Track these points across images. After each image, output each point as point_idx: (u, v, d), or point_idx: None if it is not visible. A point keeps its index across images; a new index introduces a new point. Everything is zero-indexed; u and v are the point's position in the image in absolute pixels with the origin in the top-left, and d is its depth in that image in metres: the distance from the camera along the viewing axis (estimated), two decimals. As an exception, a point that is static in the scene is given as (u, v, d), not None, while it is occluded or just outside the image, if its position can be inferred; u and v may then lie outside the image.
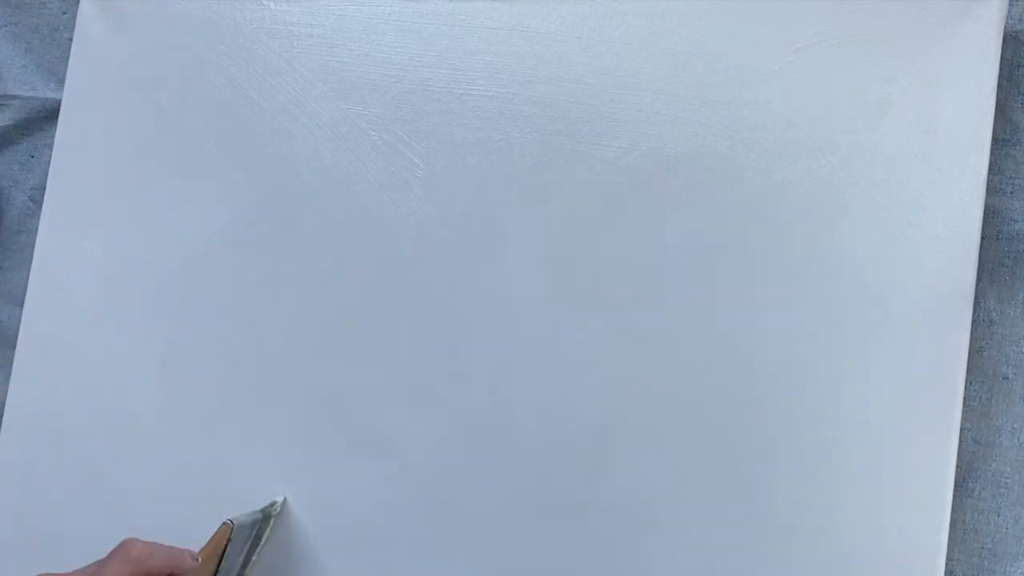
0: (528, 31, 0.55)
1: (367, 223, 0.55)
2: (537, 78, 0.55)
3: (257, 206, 0.56)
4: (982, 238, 0.52)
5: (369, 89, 0.56)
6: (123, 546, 0.43)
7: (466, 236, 0.55)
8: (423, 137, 0.55)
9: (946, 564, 0.51)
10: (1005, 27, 0.53)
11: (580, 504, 0.53)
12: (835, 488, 0.52)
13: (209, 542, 0.47)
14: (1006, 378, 0.56)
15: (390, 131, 0.56)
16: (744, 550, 0.52)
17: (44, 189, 0.57)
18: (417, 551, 0.54)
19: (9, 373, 0.56)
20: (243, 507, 0.53)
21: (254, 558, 0.53)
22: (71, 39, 0.57)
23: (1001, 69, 0.53)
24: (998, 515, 0.56)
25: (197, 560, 0.45)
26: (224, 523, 0.48)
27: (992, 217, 0.56)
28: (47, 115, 0.62)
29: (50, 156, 0.57)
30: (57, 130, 0.57)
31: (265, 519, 0.53)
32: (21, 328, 0.56)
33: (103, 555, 0.43)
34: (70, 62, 0.57)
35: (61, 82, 0.60)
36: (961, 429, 0.52)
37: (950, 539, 0.51)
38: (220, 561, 0.47)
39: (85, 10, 0.57)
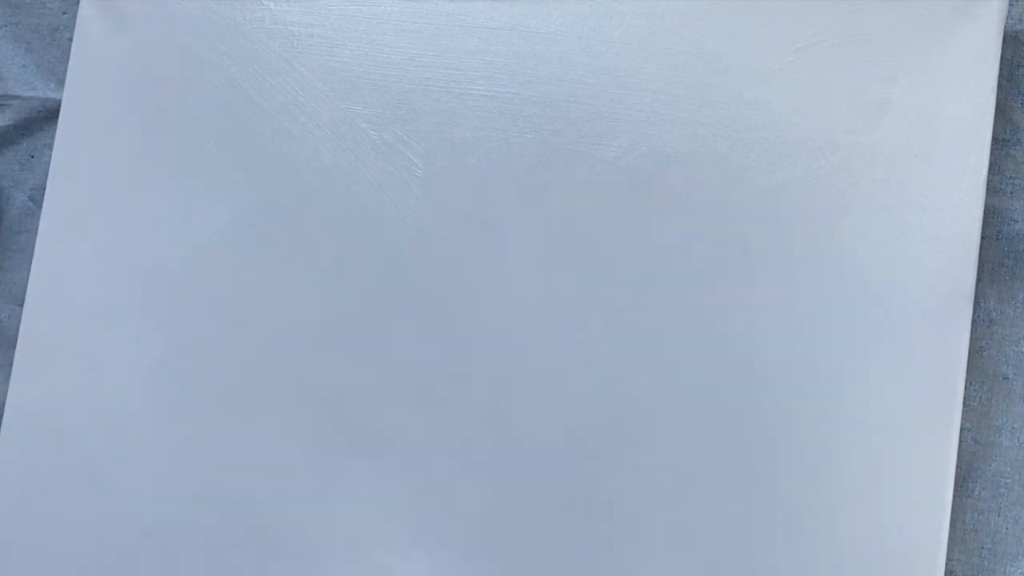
0: (528, 31, 0.55)
1: (366, 223, 0.55)
2: (537, 78, 0.55)
3: (257, 206, 0.56)
4: (982, 238, 0.52)
5: (369, 89, 0.56)
6: None
7: (465, 236, 0.55)
8: (422, 137, 0.55)
9: (946, 564, 0.51)
10: (1005, 27, 0.53)
11: (580, 504, 0.53)
12: (835, 488, 0.52)
13: None
14: (1006, 378, 0.56)
15: (390, 131, 0.56)
16: (744, 550, 0.52)
17: (44, 189, 0.57)
18: (417, 551, 0.54)
19: (9, 373, 0.56)
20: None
21: None
22: (71, 39, 0.57)
23: (1001, 69, 0.53)
24: (998, 515, 0.56)
25: None
26: None
27: (992, 217, 0.56)
28: (47, 115, 0.62)
29: (50, 156, 0.57)
30: (57, 130, 0.57)
31: None
32: (21, 328, 0.56)
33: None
34: (70, 62, 0.57)
35: (61, 82, 0.60)
36: (961, 429, 0.52)
37: (950, 539, 0.51)
38: None
39: (85, 10, 0.57)
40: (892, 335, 0.52)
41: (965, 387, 0.52)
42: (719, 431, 0.53)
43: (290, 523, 0.54)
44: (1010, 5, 0.56)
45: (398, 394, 0.54)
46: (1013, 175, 0.57)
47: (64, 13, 0.63)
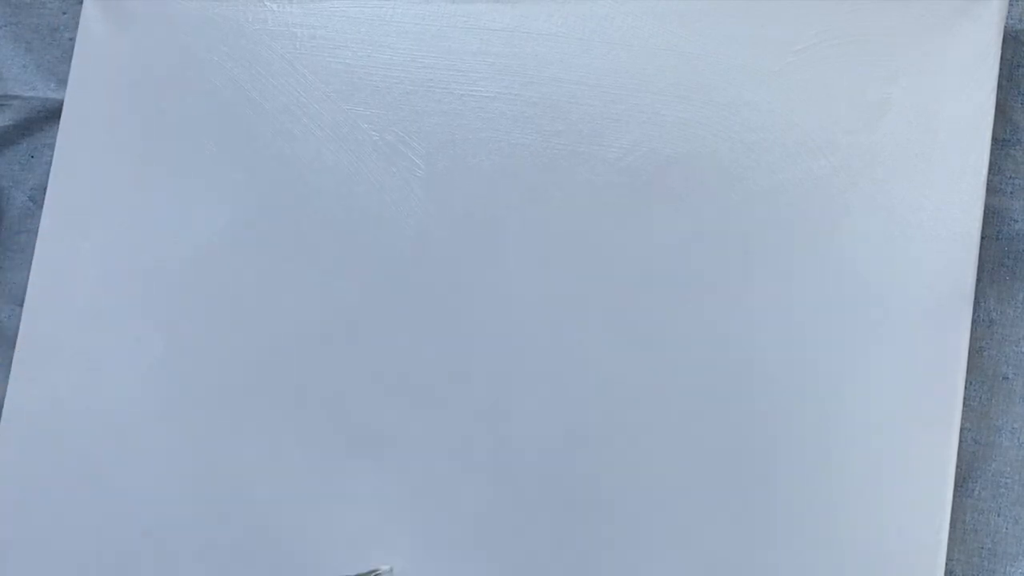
0: (529, 33, 0.56)
1: (368, 223, 0.55)
2: (538, 79, 0.55)
3: (258, 206, 0.56)
4: (982, 238, 0.52)
5: (371, 90, 0.56)
6: None
7: (466, 236, 0.55)
8: (424, 138, 0.55)
9: (946, 564, 0.51)
10: (1005, 27, 0.53)
11: (580, 504, 0.53)
12: (835, 488, 0.52)
13: None
14: (1006, 378, 0.56)
15: (391, 132, 0.56)
16: (744, 550, 0.52)
17: (44, 189, 0.57)
18: (417, 551, 0.53)
19: (9, 373, 0.56)
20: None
21: None
22: (71, 39, 0.57)
23: (1001, 69, 0.53)
24: (998, 515, 0.56)
25: None
26: None
27: (992, 217, 0.56)
28: (47, 115, 0.62)
29: (50, 156, 0.57)
30: (59, 130, 0.57)
31: None
32: (21, 328, 0.56)
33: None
34: (73, 63, 0.57)
35: (61, 82, 0.60)
36: (961, 429, 0.52)
37: (950, 539, 0.51)
38: None
39: (88, 11, 0.57)
40: (892, 335, 0.52)
41: (965, 387, 0.52)
42: (719, 431, 0.53)
43: (290, 523, 0.54)
44: (1010, 5, 0.56)
45: (398, 394, 0.54)
46: (1013, 175, 0.57)
47: (64, 13, 0.63)
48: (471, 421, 0.54)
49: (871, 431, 0.52)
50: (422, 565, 0.53)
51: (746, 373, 0.53)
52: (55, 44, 0.63)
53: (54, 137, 0.57)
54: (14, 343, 0.56)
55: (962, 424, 0.52)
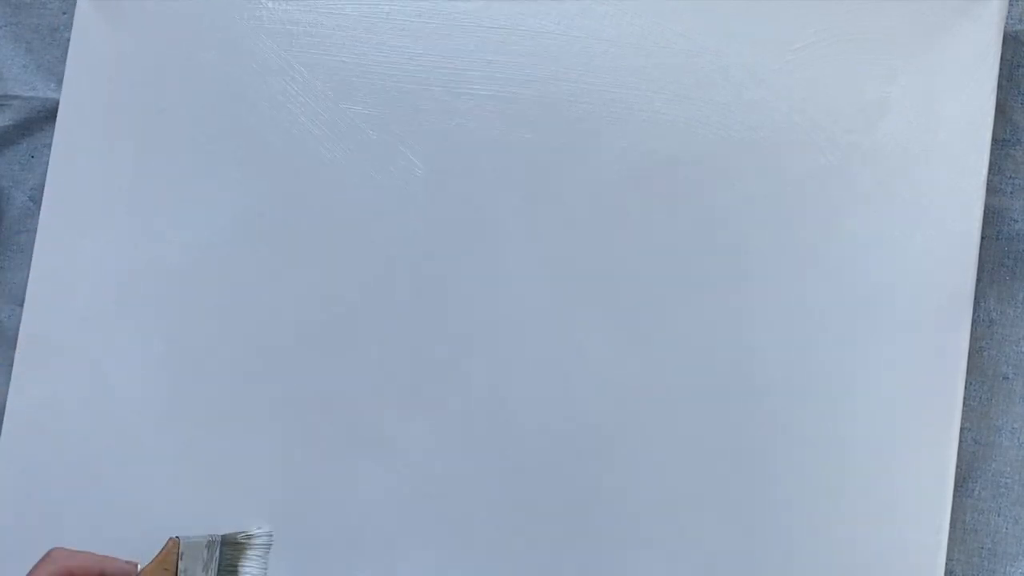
0: (527, 31, 0.55)
1: (365, 222, 0.55)
2: (536, 78, 0.55)
3: (255, 206, 0.56)
4: (982, 238, 0.52)
5: (368, 88, 0.56)
6: (48, 553, 0.47)
7: (464, 235, 0.55)
8: (422, 137, 0.55)
9: (946, 564, 0.51)
10: (1005, 27, 0.53)
11: (581, 504, 0.53)
12: (835, 488, 0.52)
13: (156, 557, 0.49)
14: (1006, 378, 0.56)
15: (389, 131, 0.56)
16: (744, 550, 0.52)
17: (44, 189, 0.57)
18: (417, 551, 0.54)
19: (9, 373, 0.56)
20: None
21: None
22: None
23: (1001, 69, 0.53)
24: (998, 515, 0.56)
25: (135, 567, 0.48)
26: (171, 538, 0.49)
27: (992, 217, 0.56)
28: (47, 115, 0.62)
29: (50, 156, 0.57)
30: (55, 129, 0.57)
31: (232, 545, 0.52)
32: (21, 328, 0.56)
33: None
34: (68, 61, 0.57)
35: (61, 82, 0.60)
36: (961, 429, 0.52)
37: (950, 539, 0.51)
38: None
39: (83, 9, 0.57)
40: (892, 335, 0.52)
41: (965, 387, 0.52)
42: (719, 432, 0.53)
43: (291, 522, 0.54)
44: (1010, 5, 0.55)
45: (398, 394, 0.54)
46: (1013, 175, 0.57)
47: (64, 13, 0.63)
48: (471, 421, 0.54)
49: (871, 431, 0.52)
50: (422, 565, 0.54)
51: (745, 373, 0.53)
52: (55, 44, 0.63)
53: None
54: (14, 343, 0.56)
55: (962, 424, 0.52)
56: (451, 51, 0.56)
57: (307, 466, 0.54)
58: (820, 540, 0.52)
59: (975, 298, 0.52)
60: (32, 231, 0.58)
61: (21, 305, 0.56)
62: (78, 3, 0.57)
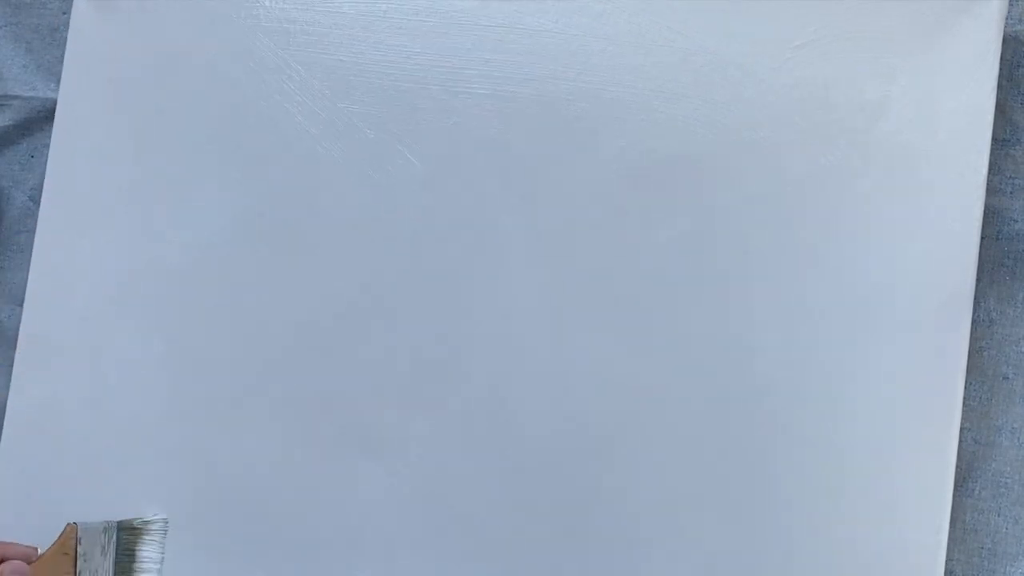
0: (525, 29, 0.55)
1: (363, 221, 0.55)
2: (534, 76, 0.55)
3: (253, 205, 0.56)
4: (982, 238, 0.52)
5: (365, 87, 0.56)
6: None
7: (462, 234, 0.55)
8: (419, 135, 0.55)
9: (946, 564, 0.51)
10: (1005, 27, 0.53)
11: (581, 504, 0.53)
12: (835, 488, 0.52)
13: (55, 542, 0.50)
14: (1006, 378, 0.56)
15: (386, 129, 0.55)
16: (745, 550, 0.52)
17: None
18: (416, 551, 0.54)
19: (9, 373, 0.56)
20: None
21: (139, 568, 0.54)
22: (71, 39, 0.57)
23: (1001, 69, 0.53)
24: (998, 515, 0.56)
25: (35, 551, 0.49)
26: (68, 524, 0.50)
27: (992, 217, 0.56)
28: (47, 115, 0.62)
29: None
30: (53, 129, 0.57)
31: (128, 530, 0.53)
32: (21, 328, 0.56)
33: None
34: (65, 61, 0.57)
35: (61, 82, 0.60)
36: (961, 429, 0.52)
37: (950, 539, 0.51)
38: (76, 562, 0.49)
39: (80, 8, 0.57)
40: (892, 335, 0.52)
41: (965, 387, 0.52)
42: (719, 432, 0.53)
43: (290, 522, 0.54)
44: (1010, 5, 0.55)
45: (397, 394, 0.54)
46: (1013, 175, 0.56)
47: (64, 13, 0.63)
48: (471, 421, 0.54)
49: (871, 431, 0.52)
50: (422, 565, 0.54)
51: (745, 373, 0.53)
52: (55, 44, 0.63)
53: (55, 137, 0.57)
54: (14, 343, 0.56)
55: (962, 424, 0.52)
56: (449, 50, 0.56)
57: (307, 466, 0.54)
58: (820, 540, 0.52)
59: (975, 298, 0.52)
60: (32, 231, 0.58)
61: (21, 305, 0.57)
62: (75, 3, 0.57)
